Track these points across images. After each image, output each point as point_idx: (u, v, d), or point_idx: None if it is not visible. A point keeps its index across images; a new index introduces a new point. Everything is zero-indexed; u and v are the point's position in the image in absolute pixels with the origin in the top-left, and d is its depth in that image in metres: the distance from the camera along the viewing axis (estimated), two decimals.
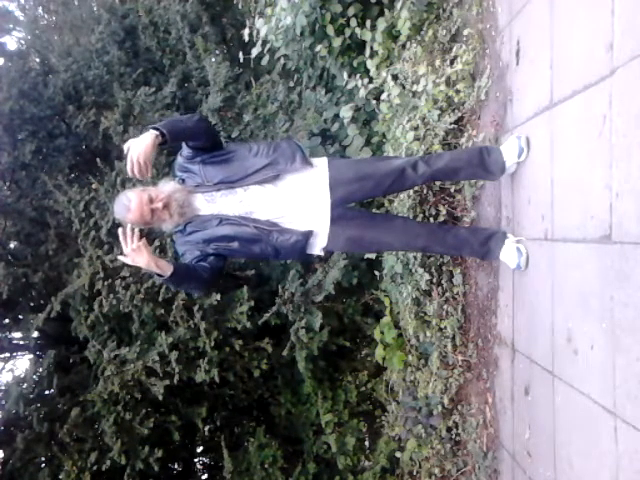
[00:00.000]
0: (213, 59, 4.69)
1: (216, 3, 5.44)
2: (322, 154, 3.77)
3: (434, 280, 3.04)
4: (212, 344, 3.85)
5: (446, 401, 3.14)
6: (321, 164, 2.24)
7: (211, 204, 2.18)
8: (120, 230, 2.01)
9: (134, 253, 1.99)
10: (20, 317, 4.35)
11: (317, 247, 2.27)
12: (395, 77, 3.08)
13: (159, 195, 2.09)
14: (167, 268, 2.06)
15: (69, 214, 4.06)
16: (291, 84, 4.57)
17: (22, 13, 7.17)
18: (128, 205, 2.07)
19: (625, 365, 1.48)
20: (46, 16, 7.21)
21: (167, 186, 2.16)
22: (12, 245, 4.49)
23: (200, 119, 2.15)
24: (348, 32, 3.41)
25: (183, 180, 2.20)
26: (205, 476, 5.13)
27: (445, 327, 3.02)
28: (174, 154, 4.39)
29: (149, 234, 4.00)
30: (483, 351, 2.87)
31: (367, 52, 3.31)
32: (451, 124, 2.77)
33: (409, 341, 3.45)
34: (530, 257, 2.17)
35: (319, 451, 4.41)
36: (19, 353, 4.76)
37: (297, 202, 2.18)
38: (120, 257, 2.07)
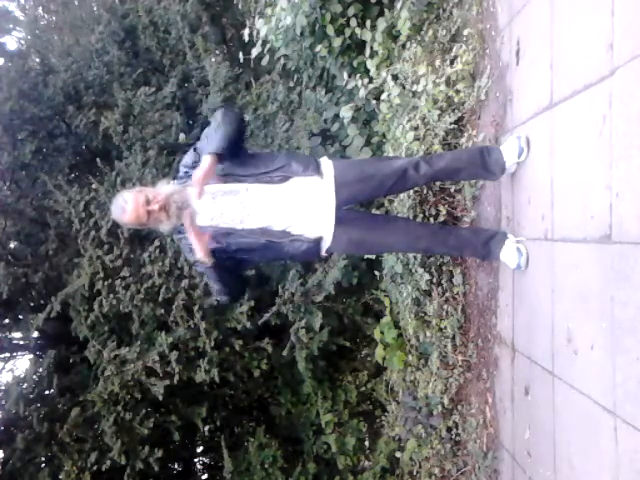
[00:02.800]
0: (213, 59, 4.68)
1: (216, 3, 5.44)
2: (322, 154, 3.77)
3: (434, 280, 3.04)
4: (212, 344, 3.85)
5: (446, 401, 3.14)
6: (327, 166, 2.23)
7: (210, 203, 2.14)
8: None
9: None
10: (20, 317, 4.35)
11: (323, 249, 2.28)
12: (395, 77, 3.08)
13: (156, 197, 2.07)
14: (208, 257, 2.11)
15: (69, 214, 4.06)
16: (291, 84, 4.56)
17: (22, 13, 7.17)
18: (124, 206, 2.06)
19: (625, 365, 1.48)
20: (46, 16, 7.21)
21: (165, 187, 2.14)
22: (12, 245, 4.49)
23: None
24: (348, 32, 3.41)
25: (190, 177, 2.18)
26: (205, 476, 5.14)
27: (445, 327, 3.02)
28: (174, 154, 4.40)
29: (149, 234, 4.00)
30: (483, 351, 2.87)
31: (367, 52, 3.30)
32: (451, 124, 2.77)
33: (409, 341, 3.45)
34: (530, 257, 2.17)
35: (319, 451, 4.41)
36: (19, 353, 4.77)
37: (301, 205, 2.17)
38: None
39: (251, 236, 2.15)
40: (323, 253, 2.30)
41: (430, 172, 2.23)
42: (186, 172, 2.21)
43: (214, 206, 2.14)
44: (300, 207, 2.17)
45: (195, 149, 2.18)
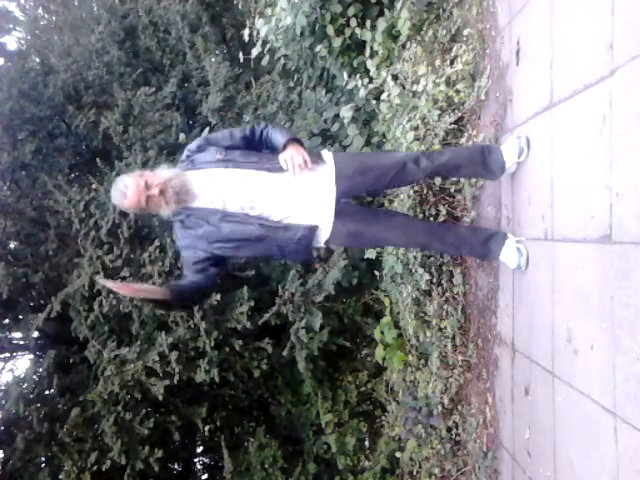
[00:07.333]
0: (213, 59, 4.68)
1: (216, 3, 5.44)
2: None
3: (434, 280, 3.04)
4: (212, 344, 3.84)
5: (446, 401, 3.14)
6: (327, 158, 2.25)
7: (211, 187, 2.15)
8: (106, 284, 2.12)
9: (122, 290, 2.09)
10: (20, 317, 4.35)
11: (321, 241, 2.27)
12: (395, 77, 3.08)
13: (155, 181, 2.09)
14: (166, 295, 2.13)
15: (69, 214, 4.06)
16: (291, 84, 4.56)
17: (22, 13, 7.17)
18: (125, 191, 2.08)
19: (625, 365, 1.48)
20: (46, 16, 7.20)
21: (165, 172, 2.16)
22: (12, 245, 4.48)
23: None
24: (348, 32, 3.41)
25: (192, 161, 2.21)
26: (205, 476, 5.13)
27: (445, 327, 3.02)
28: (174, 154, 4.39)
29: (149, 234, 4.00)
30: (483, 351, 2.87)
31: (367, 52, 3.31)
32: (451, 124, 2.77)
33: (409, 341, 3.45)
34: (530, 257, 2.17)
35: (319, 451, 4.40)
36: (19, 353, 4.76)
37: (301, 194, 2.17)
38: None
39: (247, 222, 2.14)
40: (322, 244, 2.30)
41: (430, 167, 2.23)
42: (188, 156, 2.24)
43: (215, 190, 2.16)
44: (300, 196, 2.17)
45: (208, 139, 2.24)
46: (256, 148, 2.26)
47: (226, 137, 2.24)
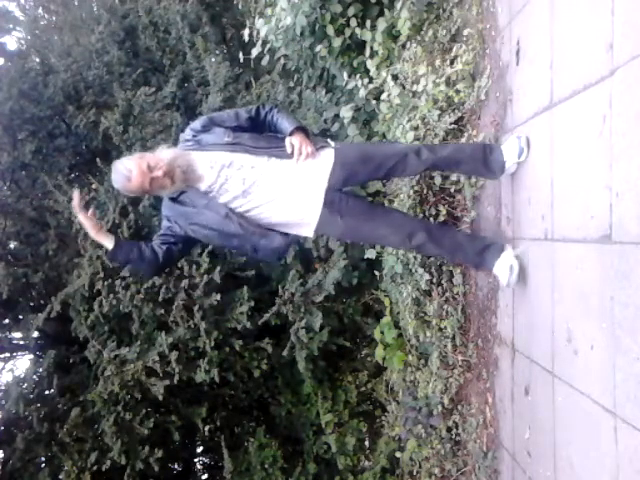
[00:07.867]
0: (213, 59, 4.69)
1: (216, 3, 5.44)
2: None
3: (434, 280, 3.04)
4: (212, 344, 3.85)
5: (446, 401, 3.14)
6: (332, 144, 2.26)
7: (215, 173, 2.14)
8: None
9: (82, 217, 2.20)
10: (20, 317, 4.35)
11: (308, 230, 2.27)
12: (395, 77, 3.08)
13: (158, 163, 2.07)
14: (109, 242, 2.23)
15: (69, 214, 4.06)
16: (291, 84, 4.57)
17: (22, 13, 7.18)
18: (129, 175, 2.07)
19: (625, 365, 1.48)
20: (46, 16, 7.22)
21: (166, 153, 2.14)
22: (12, 245, 4.49)
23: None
24: (348, 32, 3.41)
25: (198, 141, 2.20)
26: (205, 476, 5.13)
27: (445, 327, 3.02)
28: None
29: (149, 234, 4.00)
30: (483, 351, 2.87)
31: (367, 52, 3.31)
32: (451, 124, 2.77)
33: (409, 341, 3.45)
34: (530, 257, 2.17)
35: (319, 451, 4.41)
36: (19, 353, 4.76)
37: (297, 180, 2.17)
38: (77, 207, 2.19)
39: (228, 218, 2.14)
40: (312, 234, 2.30)
41: (431, 158, 2.23)
42: (194, 136, 2.23)
43: (216, 177, 2.15)
44: (295, 183, 2.17)
45: (212, 119, 2.23)
46: (259, 129, 2.26)
47: (232, 118, 2.23)
